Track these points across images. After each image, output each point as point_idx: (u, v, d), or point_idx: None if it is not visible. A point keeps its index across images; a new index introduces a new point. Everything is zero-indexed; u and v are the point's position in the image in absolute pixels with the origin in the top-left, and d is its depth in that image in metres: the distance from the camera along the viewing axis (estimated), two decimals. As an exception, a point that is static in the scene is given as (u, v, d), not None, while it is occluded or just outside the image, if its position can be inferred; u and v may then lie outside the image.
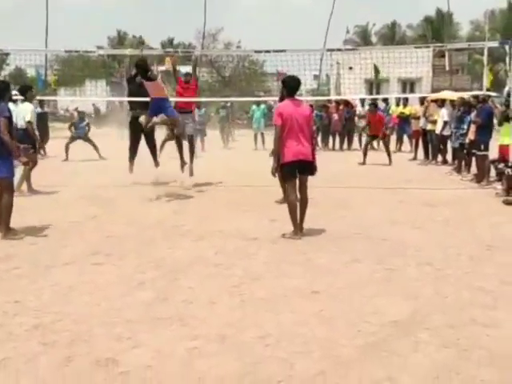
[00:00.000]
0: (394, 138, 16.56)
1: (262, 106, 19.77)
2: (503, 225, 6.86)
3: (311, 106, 14.91)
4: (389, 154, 13.68)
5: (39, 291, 4.35)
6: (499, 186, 9.05)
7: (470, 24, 47.46)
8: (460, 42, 34.71)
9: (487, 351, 3.29)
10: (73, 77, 41.34)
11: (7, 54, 30.95)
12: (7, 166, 6.05)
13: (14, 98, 8.86)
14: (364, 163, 13.48)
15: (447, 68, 33.62)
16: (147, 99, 8.86)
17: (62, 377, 3.03)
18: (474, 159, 10.65)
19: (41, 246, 5.77)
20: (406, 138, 16.95)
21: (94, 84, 33.93)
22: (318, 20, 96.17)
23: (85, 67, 42.48)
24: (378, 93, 34.03)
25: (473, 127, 10.37)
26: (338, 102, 18.99)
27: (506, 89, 10.08)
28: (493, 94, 11.56)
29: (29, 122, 8.74)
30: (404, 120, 16.30)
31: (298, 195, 6.11)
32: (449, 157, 13.07)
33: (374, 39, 50.16)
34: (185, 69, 13.21)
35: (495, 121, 10.32)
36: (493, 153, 10.02)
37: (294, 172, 6.09)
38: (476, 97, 11.08)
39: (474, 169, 10.74)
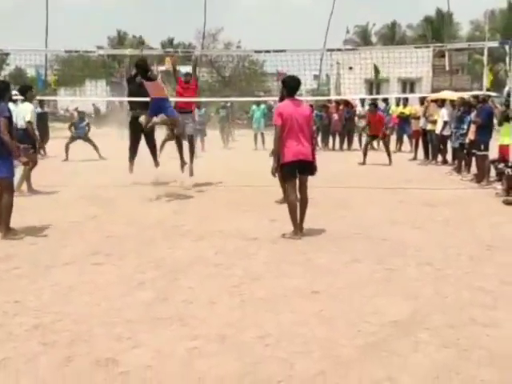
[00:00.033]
0: (393, 138, 16.56)
1: (262, 106, 19.77)
2: (503, 225, 6.86)
3: (311, 105, 14.92)
4: (389, 154, 13.68)
5: (39, 291, 4.35)
6: (499, 186, 9.05)
7: (470, 24, 47.53)
8: (460, 42, 34.71)
9: (487, 351, 3.29)
10: (73, 77, 41.36)
11: (7, 54, 30.96)
12: (7, 166, 6.05)
13: (14, 97, 8.86)
14: (364, 163, 13.48)
15: (447, 68, 33.62)
16: (147, 99, 8.87)
17: (62, 377, 3.03)
18: (473, 159, 10.66)
19: (41, 245, 5.77)
20: (405, 138, 16.95)
21: (93, 84, 33.93)
22: (318, 20, 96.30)
23: (85, 67, 42.49)
24: (378, 93, 34.02)
25: (473, 127, 10.37)
26: (337, 102, 18.99)
27: (506, 89, 10.08)
28: (493, 94, 11.56)
29: (29, 122, 8.74)
30: (404, 120, 16.30)
31: (298, 195, 6.11)
32: (449, 157, 13.07)
33: (374, 39, 50.18)
34: (185, 69, 13.20)
35: (495, 121, 10.32)
36: (493, 153, 10.02)
37: (294, 172, 6.09)
38: (476, 97, 11.08)
39: (473, 169, 10.74)
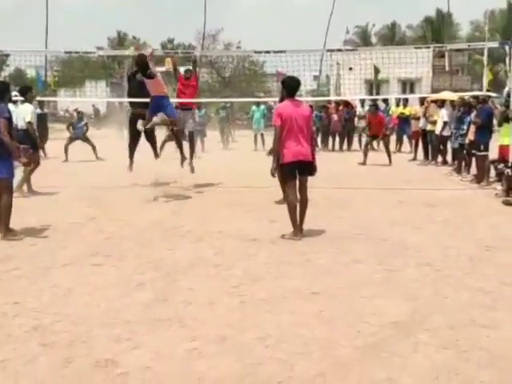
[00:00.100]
0: (393, 138, 16.56)
1: (262, 107, 19.80)
2: (503, 225, 6.86)
3: (311, 106, 14.91)
4: (389, 155, 13.68)
5: (39, 292, 4.34)
6: (499, 187, 9.05)
7: (469, 24, 47.53)
8: (460, 43, 34.77)
9: (487, 352, 3.29)
10: (73, 78, 41.42)
11: (7, 55, 30.91)
12: (7, 167, 6.05)
13: (14, 98, 8.88)
14: (364, 163, 13.49)
15: (447, 68, 33.68)
16: (147, 99, 8.85)
17: (61, 378, 3.02)
18: (473, 160, 10.65)
19: (40, 246, 5.77)
20: (405, 138, 16.96)
21: (93, 85, 33.91)
22: (318, 20, 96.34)
23: (85, 68, 42.56)
24: (377, 93, 34.05)
25: (473, 128, 10.36)
26: (337, 103, 18.99)
27: (506, 89, 10.09)
28: (493, 94, 11.57)
29: (29, 123, 8.74)
30: (404, 120, 16.31)
31: (298, 196, 6.11)
32: (449, 157, 13.07)
33: (373, 40, 50.15)
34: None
35: (495, 121, 10.32)
36: (493, 153, 10.02)
37: (293, 172, 6.08)
38: (476, 97, 11.08)
39: (473, 169, 10.74)
